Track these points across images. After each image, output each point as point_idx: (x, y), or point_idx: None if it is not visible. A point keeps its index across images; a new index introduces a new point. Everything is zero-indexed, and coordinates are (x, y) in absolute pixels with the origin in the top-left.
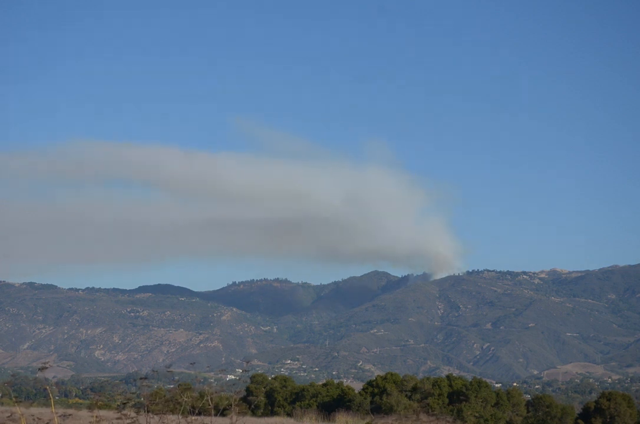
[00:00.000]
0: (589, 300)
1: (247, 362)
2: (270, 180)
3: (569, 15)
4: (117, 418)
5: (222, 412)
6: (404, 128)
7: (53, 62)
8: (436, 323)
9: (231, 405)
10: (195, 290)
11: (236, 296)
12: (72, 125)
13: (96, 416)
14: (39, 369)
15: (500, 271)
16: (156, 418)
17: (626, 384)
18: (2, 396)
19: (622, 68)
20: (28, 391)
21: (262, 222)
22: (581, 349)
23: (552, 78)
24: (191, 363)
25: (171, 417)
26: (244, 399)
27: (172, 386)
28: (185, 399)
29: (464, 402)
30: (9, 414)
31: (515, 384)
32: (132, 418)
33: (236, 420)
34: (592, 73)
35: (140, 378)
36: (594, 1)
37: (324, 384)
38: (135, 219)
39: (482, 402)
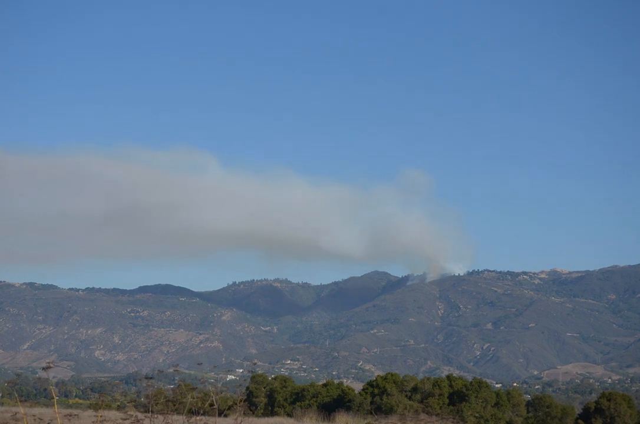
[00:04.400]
0: (589, 300)
1: (254, 363)
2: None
3: (570, 14)
4: (124, 419)
5: (222, 413)
6: (403, 127)
7: (46, 64)
8: (436, 323)
9: (233, 405)
10: (195, 290)
11: (236, 296)
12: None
13: (100, 416)
14: (43, 368)
15: (500, 272)
16: (160, 418)
17: (626, 385)
18: (2, 397)
19: (625, 67)
20: (28, 391)
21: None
22: (581, 349)
23: (553, 77)
24: (198, 363)
25: (175, 417)
26: (245, 400)
27: (172, 386)
28: (190, 399)
29: (465, 402)
30: (12, 414)
31: (515, 384)
32: (138, 419)
33: (241, 421)
34: (594, 73)
35: (145, 378)
36: (596, 1)
37: (324, 385)
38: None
39: (482, 402)
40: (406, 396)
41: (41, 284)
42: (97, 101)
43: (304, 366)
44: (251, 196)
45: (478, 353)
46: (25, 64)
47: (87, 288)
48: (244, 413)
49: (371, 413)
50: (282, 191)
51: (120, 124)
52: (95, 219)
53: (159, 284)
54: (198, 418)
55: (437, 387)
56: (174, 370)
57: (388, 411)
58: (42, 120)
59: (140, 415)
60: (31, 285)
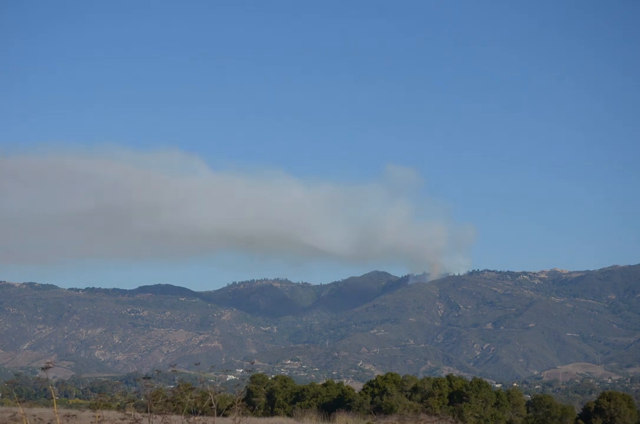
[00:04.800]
0: (589, 300)
1: (252, 362)
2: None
3: (570, 14)
4: (122, 419)
5: (222, 413)
6: (403, 126)
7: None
8: (436, 323)
9: (232, 405)
10: (195, 290)
11: (236, 296)
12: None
13: (98, 416)
14: (42, 368)
15: (500, 272)
16: (159, 418)
17: (626, 385)
18: (2, 397)
19: (625, 67)
20: (28, 391)
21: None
22: (581, 349)
23: (553, 77)
24: (196, 364)
25: (174, 417)
26: (245, 400)
27: (172, 386)
28: (188, 399)
29: (465, 402)
30: (11, 414)
31: (515, 384)
32: (136, 419)
33: (239, 421)
34: (594, 73)
35: (144, 378)
36: (596, 1)
37: (324, 385)
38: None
39: (482, 402)
40: (406, 396)
41: (41, 284)
42: (85, 101)
43: (304, 366)
44: (242, 196)
45: (478, 353)
46: (14, 63)
47: (87, 288)
48: (242, 413)
49: (370, 413)
50: (276, 191)
51: (115, 124)
52: (94, 219)
53: (159, 284)
54: (196, 418)
55: (437, 387)
56: (171, 370)
57: (388, 411)
58: (43, 121)
59: (138, 415)
60: (31, 285)
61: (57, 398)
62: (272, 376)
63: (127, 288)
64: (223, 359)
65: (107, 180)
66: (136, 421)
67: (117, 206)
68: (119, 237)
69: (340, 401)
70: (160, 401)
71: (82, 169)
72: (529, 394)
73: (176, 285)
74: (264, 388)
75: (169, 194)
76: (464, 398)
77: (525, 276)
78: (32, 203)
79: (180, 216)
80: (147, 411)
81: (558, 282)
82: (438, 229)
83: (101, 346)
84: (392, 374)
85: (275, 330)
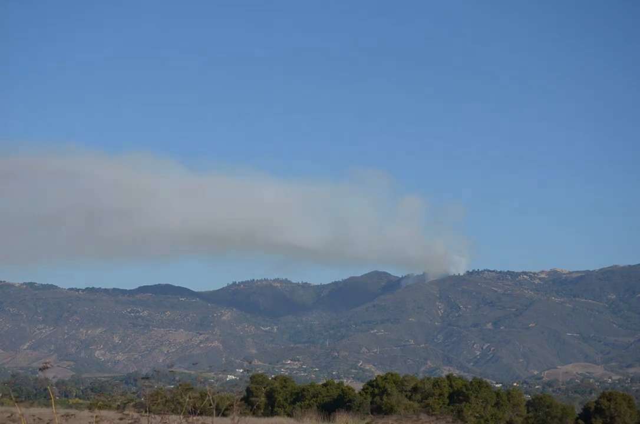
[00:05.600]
0: (589, 300)
1: (250, 362)
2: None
3: (570, 14)
4: (120, 419)
5: (222, 412)
6: (401, 128)
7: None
8: (436, 323)
9: (232, 405)
10: (196, 290)
11: (236, 296)
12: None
13: (97, 416)
14: (40, 369)
15: (500, 272)
16: (158, 418)
17: (626, 385)
18: (2, 396)
19: (625, 67)
20: (28, 391)
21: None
22: (581, 349)
23: (553, 77)
24: (193, 363)
25: (173, 417)
26: (245, 400)
27: (172, 386)
28: (187, 399)
29: (465, 402)
30: (10, 414)
31: (515, 384)
32: (134, 418)
33: (238, 420)
34: (594, 73)
35: (142, 378)
36: (596, 1)
37: (324, 385)
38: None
39: (482, 402)
40: (406, 396)
41: (41, 284)
42: (62, 101)
43: (304, 366)
44: (218, 196)
45: (478, 353)
46: None
47: (87, 288)
48: (241, 413)
49: (370, 413)
50: (256, 190)
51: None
52: (92, 218)
53: (159, 284)
54: (195, 417)
55: (437, 387)
56: (169, 370)
57: (388, 411)
58: (49, 120)
59: (136, 415)
60: (31, 285)
61: (57, 398)
62: (272, 376)
63: (127, 288)
64: (223, 359)
65: (97, 180)
66: (135, 421)
67: (96, 207)
68: (97, 238)
69: (340, 401)
70: (159, 401)
71: (70, 169)
72: (529, 394)
73: (176, 285)
74: (264, 388)
75: (154, 195)
76: (464, 398)
77: (525, 276)
78: (31, 203)
79: (161, 216)
80: (146, 411)
81: (558, 282)
82: (439, 229)
83: (101, 346)
84: (392, 374)
85: (275, 330)
